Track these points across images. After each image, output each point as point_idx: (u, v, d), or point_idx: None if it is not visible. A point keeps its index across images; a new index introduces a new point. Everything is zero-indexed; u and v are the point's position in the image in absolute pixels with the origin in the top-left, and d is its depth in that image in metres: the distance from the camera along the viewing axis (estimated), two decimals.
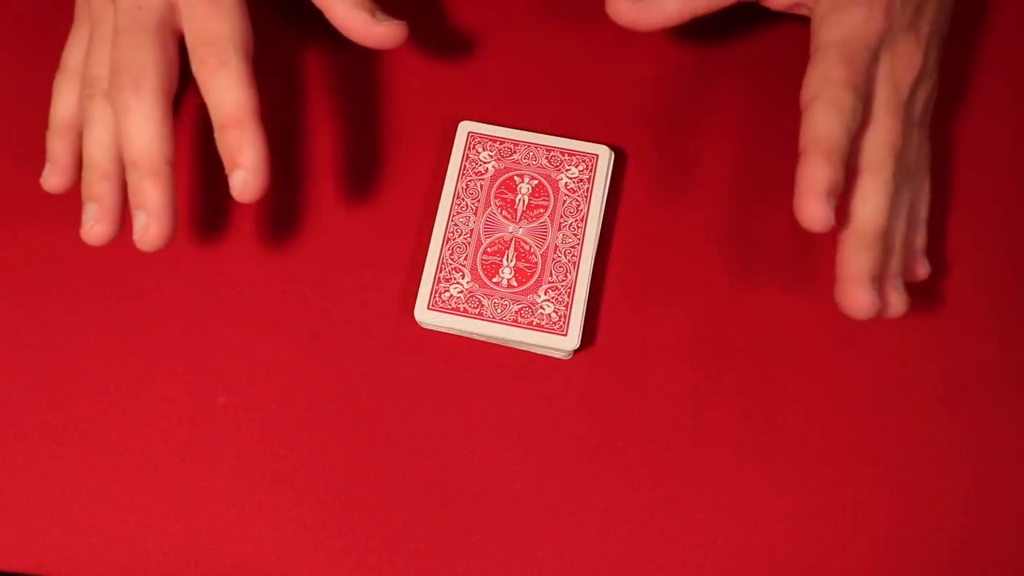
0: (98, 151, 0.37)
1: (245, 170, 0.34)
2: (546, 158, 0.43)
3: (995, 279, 0.43)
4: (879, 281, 0.36)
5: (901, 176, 0.37)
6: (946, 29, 0.42)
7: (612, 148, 0.43)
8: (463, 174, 0.43)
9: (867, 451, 0.40)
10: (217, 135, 0.35)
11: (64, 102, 0.39)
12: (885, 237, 0.36)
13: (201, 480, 0.39)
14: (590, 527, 0.39)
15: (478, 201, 0.42)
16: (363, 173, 0.44)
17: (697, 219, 0.42)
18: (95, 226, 0.36)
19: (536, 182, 0.42)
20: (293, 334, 0.41)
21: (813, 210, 0.34)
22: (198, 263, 0.43)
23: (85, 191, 0.37)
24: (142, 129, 0.35)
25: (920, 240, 0.40)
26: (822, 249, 0.42)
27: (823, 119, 0.35)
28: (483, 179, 0.43)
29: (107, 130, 0.37)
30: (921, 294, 0.42)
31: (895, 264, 0.38)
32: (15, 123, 0.45)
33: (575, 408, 0.40)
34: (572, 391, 0.41)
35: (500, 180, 0.42)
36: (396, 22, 0.38)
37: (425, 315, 0.40)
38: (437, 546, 0.38)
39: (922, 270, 0.40)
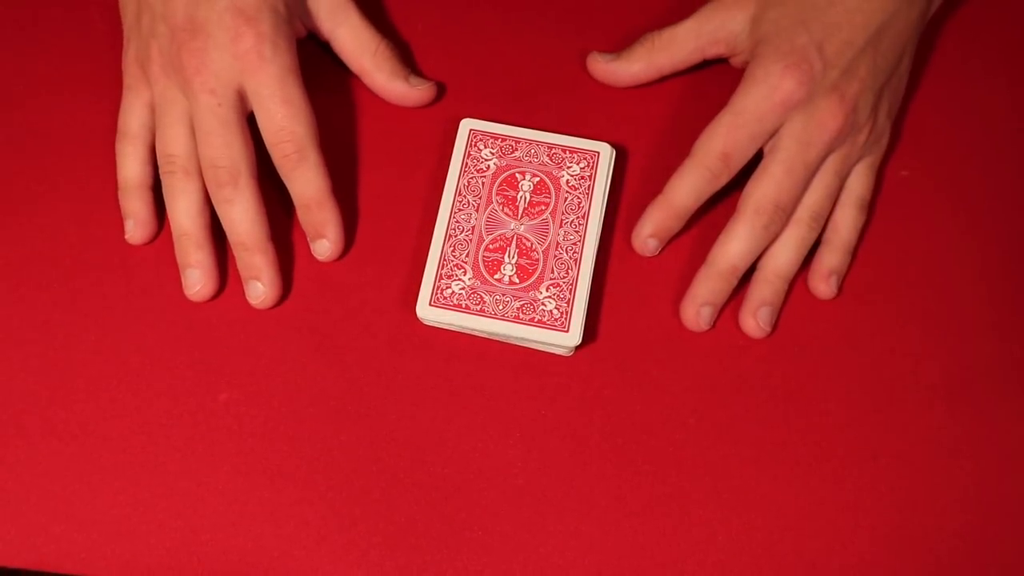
0: (187, 221, 0.41)
1: (329, 241, 0.42)
2: (547, 155, 0.43)
3: (994, 277, 0.43)
4: (713, 306, 0.41)
5: (781, 220, 0.41)
6: (899, 81, 0.44)
7: (613, 145, 0.43)
8: (465, 171, 0.43)
9: (867, 447, 0.40)
10: (301, 213, 0.42)
11: (131, 166, 0.43)
12: (735, 273, 0.41)
13: (203, 476, 0.39)
14: (592, 523, 0.39)
15: (480, 198, 0.42)
16: (365, 170, 0.45)
17: (698, 215, 0.43)
18: (202, 289, 0.41)
19: (537, 179, 0.43)
20: (295, 331, 0.41)
21: (636, 240, 0.42)
22: None
23: (182, 259, 0.41)
24: (245, 217, 0.41)
25: (833, 262, 0.42)
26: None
27: (679, 179, 0.41)
28: (484, 176, 0.43)
29: (194, 203, 0.41)
30: (921, 292, 0.42)
31: (767, 295, 0.41)
32: (15, 122, 0.45)
33: (576, 404, 0.40)
34: (573, 388, 0.41)
35: (502, 177, 0.43)
36: (428, 84, 0.45)
37: (427, 311, 0.40)
38: (439, 542, 0.38)
39: (824, 288, 0.42)
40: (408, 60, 0.46)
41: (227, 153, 0.40)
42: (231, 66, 0.40)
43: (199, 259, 0.41)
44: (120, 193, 0.43)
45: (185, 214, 0.41)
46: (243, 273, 0.41)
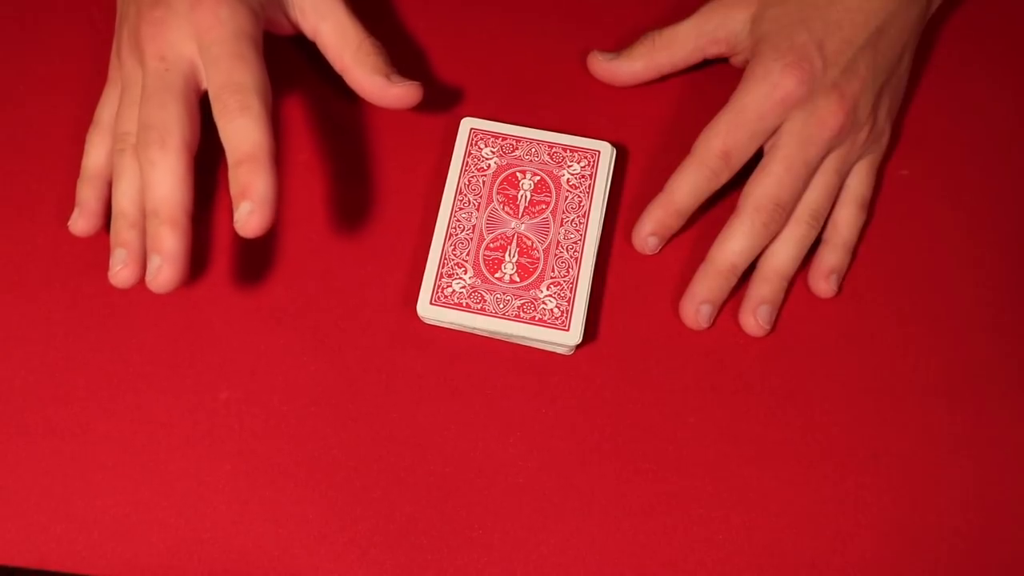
0: (126, 202, 0.39)
1: (252, 202, 0.35)
2: (548, 154, 0.43)
3: (994, 277, 0.43)
4: (712, 304, 0.41)
5: (781, 218, 0.41)
6: (899, 80, 0.44)
7: (614, 144, 0.43)
8: (465, 170, 0.43)
9: (868, 446, 0.40)
10: (231, 173, 0.36)
11: (95, 154, 0.41)
12: (734, 272, 0.41)
13: (203, 475, 0.39)
14: (592, 522, 0.39)
15: (480, 197, 0.42)
16: (366, 169, 0.45)
17: (698, 214, 0.43)
18: (122, 270, 0.38)
19: (538, 178, 0.43)
20: (295, 329, 0.41)
21: (636, 237, 0.42)
22: (201, 259, 0.43)
23: (114, 238, 0.39)
24: (164, 181, 0.37)
25: (833, 260, 0.42)
26: None
27: (680, 177, 0.41)
28: (485, 175, 0.43)
29: (135, 183, 0.39)
30: (921, 291, 0.42)
31: (766, 293, 0.41)
32: (16, 119, 0.45)
33: (577, 403, 0.40)
34: (574, 386, 0.41)
35: (502, 176, 0.43)
36: (410, 84, 0.41)
37: (427, 310, 0.40)
38: (439, 541, 0.38)
39: (824, 286, 0.42)
40: (410, 53, 0.46)
41: (160, 114, 0.37)
42: (187, 34, 0.38)
43: (129, 239, 0.38)
44: (79, 182, 0.41)
45: (125, 194, 0.39)
46: (148, 244, 0.37)
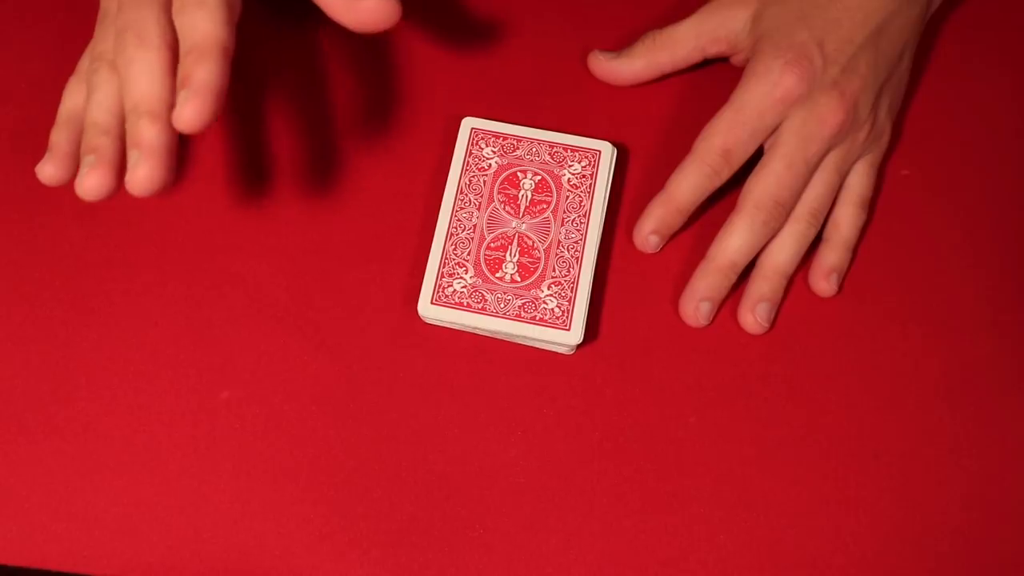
0: (99, 112, 0.36)
1: (190, 89, 0.32)
2: (549, 154, 0.43)
3: (994, 276, 0.43)
4: (712, 301, 0.41)
5: (781, 216, 0.41)
6: (899, 79, 0.44)
7: (614, 144, 0.43)
8: (466, 170, 0.43)
9: (868, 445, 0.40)
10: (180, 66, 0.34)
11: (72, 98, 0.39)
12: (734, 269, 0.41)
13: (204, 475, 0.39)
14: (593, 521, 0.39)
15: (481, 197, 0.42)
16: (367, 168, 0.44)
17: (698, 212, 0.43)
18: (89, 174, 0.34)
19: (539, 178, 0.43)
20: (296, 329, 0.41)
21: (637, 236, 0.42)
22: (202, 258, 0.43)
23: (84, 147, 0.36)
24: (144, 75, 0.34)
25: (834, 259, 0.42)
26: None
27: (681, 175, 0.42)
28: (486, 175, 0.43)
29: (110, 94, 0.36)
30: (922, 290, 0.43)
31: (765, 291, 0.41)
32: (17, 119, 0.45)
33: (578, 403, 0.40)
34: (575, 386, 0.41)
35: (503, 176, 0.43)
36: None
37: (428, 310, 0.40)
38: (440, 540, 0.38)
39: (824, 286, 0.42)
40: (410, 53, 0.46)
41: (137, 15, 0.35)
42: None
43: (99, 143, 0.35)
44: (53, 128, 0.38)
45: (99, 104, 0.36)
46: (127, 142, 0.34)
